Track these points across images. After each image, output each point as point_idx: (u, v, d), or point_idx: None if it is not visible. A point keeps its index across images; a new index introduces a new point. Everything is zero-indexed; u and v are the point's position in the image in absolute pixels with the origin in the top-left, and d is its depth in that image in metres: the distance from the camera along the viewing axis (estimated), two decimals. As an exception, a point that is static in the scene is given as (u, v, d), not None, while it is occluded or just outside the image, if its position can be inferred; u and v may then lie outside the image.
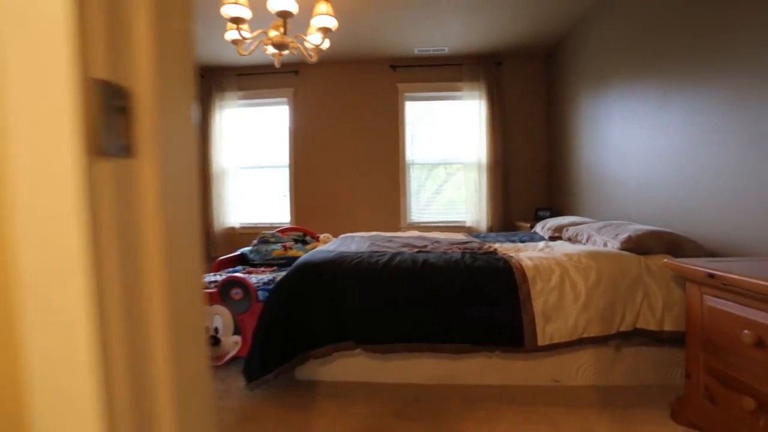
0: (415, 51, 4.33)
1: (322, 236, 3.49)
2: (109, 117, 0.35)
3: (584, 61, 3.60)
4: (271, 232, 3.45)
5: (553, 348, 1.81)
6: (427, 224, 4.61)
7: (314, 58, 2.91)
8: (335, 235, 3.44)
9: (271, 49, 2.79)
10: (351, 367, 1.97)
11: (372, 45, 4.17)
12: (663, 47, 2.45)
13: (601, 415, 1.66)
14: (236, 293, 2.23)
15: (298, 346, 1.88)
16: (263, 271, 2.79)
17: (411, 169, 4.68)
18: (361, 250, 2.32)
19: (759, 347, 1.24)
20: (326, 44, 2.76)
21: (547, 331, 1.79)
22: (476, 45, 4.19)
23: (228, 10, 2.37)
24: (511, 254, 2.17)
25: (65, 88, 0.32)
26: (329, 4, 2.55)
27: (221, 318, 2.22)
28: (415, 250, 2.34)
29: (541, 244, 2.62)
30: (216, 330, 2.21)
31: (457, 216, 4.64)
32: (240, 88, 4.66)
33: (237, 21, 2.44)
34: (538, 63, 4.53)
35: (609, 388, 1.87)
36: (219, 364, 2.14)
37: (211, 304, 2.22)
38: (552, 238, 2.91)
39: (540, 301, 1.82)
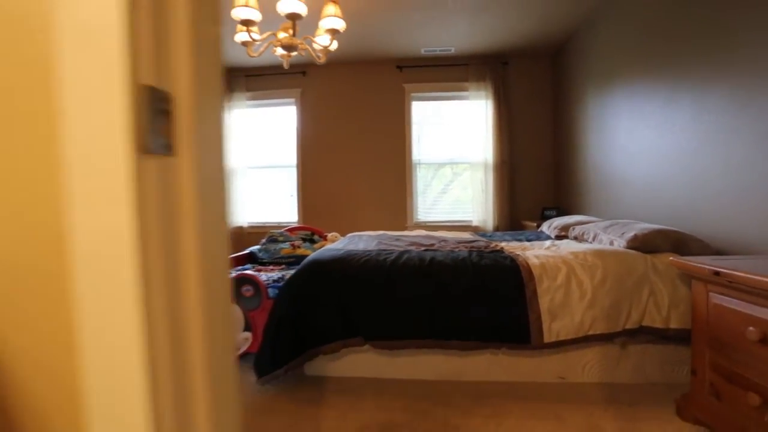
0: (422, 51, 4.36)
1: (329, 235, 3.53)
2: (154, 119, 0.39)
3: (591, 61, 3.60)
4: (279, 231, 3.50)
5: (559, 345, 1.83)
6: (433, 224, 4.64)
7: (322, 59, 2.95)
8: (342, 234, 3.48)
9: (280, 51, 2.83)
10: (359, 363, 2.01)
11: (378, 46, 4.21)
12: (670, 46, 2.46)
13: (606, 411, 1.68)
14: (247, 290, 2.28)
15: (307, 342, 1.91)
16: (272, 269, 2.83)
17: (417, 169, 4.71)
18: (369, 248, 2.35)
19: (764, 344, 1.26)
20: (334, 45, 2.80)
21: (554, 329, 1.81)
22: (482, 45, 4.21)
23: (239, 13, 2.42)
24: (518, 253, 2.19)
25: (119, 94, 0.36)
26: (337, 6, 2.59)
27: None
28: (423, 248, 2.37)
29: (548, 242, 2.64)
30: (227, 326, 2.25)
31: (463, 215, 4.66)
32: (248, 89, 4.71)
33: (247, 23, 2.48)
34: (545, 63, 4.54)
35: (615, 385, 1.88)
36: (230, 359, 2.18)
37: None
38: (558, 237, 2.93)
39: (546, 298, 1.84)
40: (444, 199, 4.75)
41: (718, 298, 1.46)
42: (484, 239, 2.87)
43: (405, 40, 4.07)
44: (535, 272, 1.89)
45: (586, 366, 1.91)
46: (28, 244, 0.44)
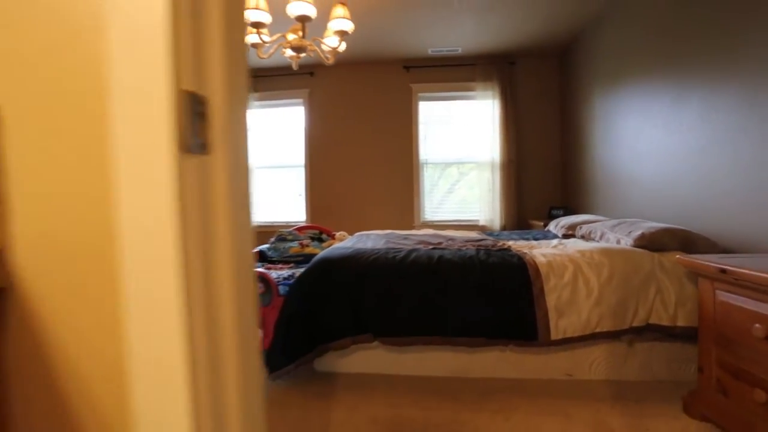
0: (429, 52, 4.38)
1: (337, 234, 3.57)
2: (193, 121, 0.43)
3: (598, 60, 3.61)
4: (288, 230, 3.54)
5: (566, 342, 1.85)
6: (440, 223, 4.67)
7: (331, 60, 2.99)
8: (350, 233, 3.52)
9: (289, 52, 2.88)
10: (368, 359, 2.04)
11: (386, 46, 4.24)
12: (677, 46, 2.46)
13: (613, 408, 1.70)
14: (257, 287, 2.32)
15: (317, 339, 1.95)
16: (281, 268, 2.88)
17: (424, 169, 4.74)
18: (378, 247, 2.39)
19: (770, 340, 1.27)
20: (343, 47, 2.84)
21: (560, 326, 1.83)
22: (489, 45, 4.23)
23: (249, 15, 2.46)
24: (525, 251, 2.21)
25: (165, 98, 0.40)
26: (346, 8, 2.62)
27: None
28: (431, 247, 2.39)
29: (555, 241, 2.65)
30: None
31: (470, 215, 4.68)
32: (257, 90, 4.77)
33: (257, 25, 2.53)
34: (552, 62, 4.54)
35: (622, 382, 1.90)
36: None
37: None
38: (565, 236, 2.94)
39: (553, 296, 1.86)
40: (451, 198, 4.77)
41: (724, 296, 1.47)
42: (491, 238, 2.89)
43: (412, 40, 4.10)
44: (542, 270, 1.91)
45: (593, 363, 1.93)
46: (82, 235, 0.48)
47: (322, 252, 2.37)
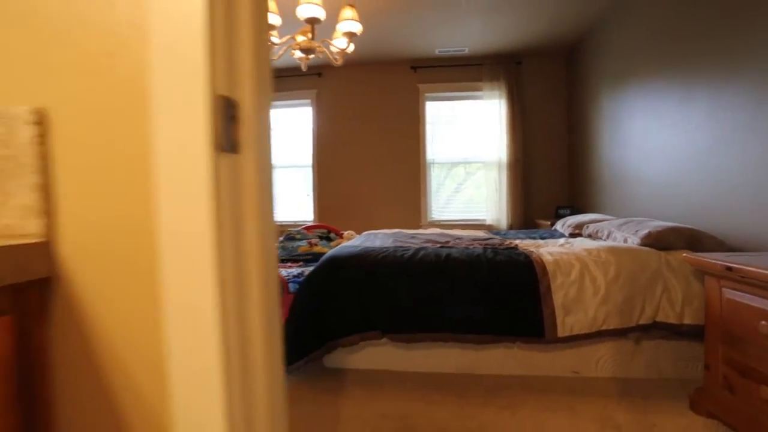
0: (436, 52, 4.41)
1: (345, 233, 3.61)
2: (226, 123, 0.47)
3: (605, 60, 3.61)
4: (296, 229, 3.59)
5: (573, 340, 1.87)
6: (447, 222, 4.69)
7: (339, 62, 3.03)
8: (358, 233, 3.56)
9: (298, 54, 2.92)
10: (377, 356, 2.07)
11: (393, 47, 4.27)
12: (685, 44, 2.46)
13: (619, 404, 1.71)
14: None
15: (326, 335, 1.99)
16: (291, 266, 2.92)
17: (431, 168, 4.76)
18: (386, 245, 2.42)
19: (776, 337, 1.28)
20: (351, 48, 2.88)
21: (567, 323, 1.85)
22: (496, 45, 4.24)
23: (260, 18, 2.51)
24: (532, 249, 2.23)
25: (203, 103, 0.44)
26: (354, 10, 2.66)
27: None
28: (438, 245, 2.42)
29: (562, 240, 2.67)
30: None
31: (476, 214, 4.70)
32: (265, 91, 4.82)
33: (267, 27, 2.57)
34: (559, 62, 4.55)
35: (628, 380, 1.91)
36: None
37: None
38: (572, 235, 2.95)
39: (560, 294, 1.88)
40: (457, 198, 4.80)
41: (730, 293, 1.49)
42: (498, 237, 2.92)
43: (419, 40, 4.13)
44: (549, 268, 1.93)
45: (600, 361, 1.95)
46: (124, 228, 0.52)
47: (331, 250, 2.41)
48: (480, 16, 3.62)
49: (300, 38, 2.83)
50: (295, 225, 4.39)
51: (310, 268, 2.18)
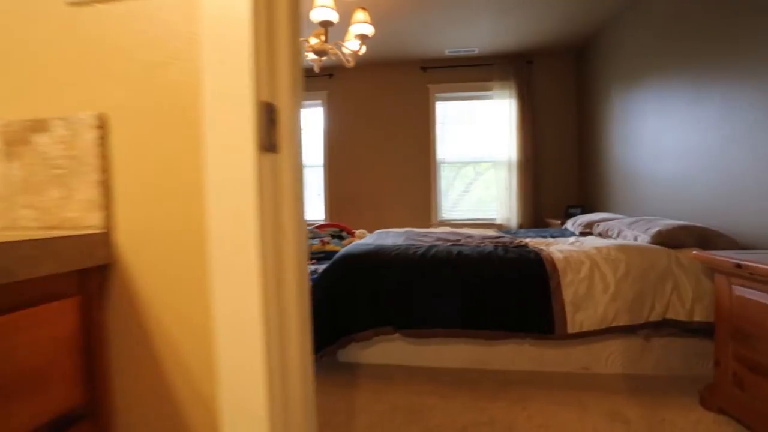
0: (446, 52, 4.44)
1: (357, 232, 3.67)
2: (268, 125, 0.52)
3: (616, 59, 3.61)
4: (308, 228, 3.66)
5: (583, 336, 1.89)
6: (457, 221, 4.72)
7: (351, 63, 3.08)
8: (369, 231, 3.61)
9: (311, 56, 2.98)
10: (389, 351, 2.13)
11: (403, 47, 4.32)
12: (696, 44, 2.47)
13: (629, 400, 1.74)
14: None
15: (341, 330, 2.04)
16: (304, 263, 2.98)
17: (441, 168, 4.80)
18: (398, 243, 2.47)
19: (785, 333, 1.30)
20: (363, 50, 2.93)
21: (577, 320, 1.88)
22: (506, 44, 4.26)
23: (275, 22, 2.57)
24: (542, 247, 2.26)
25: (248, 108, 0.49)
26: (366, 12, 2.71)
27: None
28: (450, 243, 2.46)
29: (572, 239, 2.69)
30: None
31: (487, 213, 4.72)
32: (278, 92, 4.90)
33: (283, 31, 2.63)
34: (569, 61, 4.55)
35: (638, 376, 1.94)
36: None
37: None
38: (583, 234, 2.97)
39: (570, 291, 1.91)
40: (467, 197, 4.82)
41: (740, 290, 1.51)
42: (508, 236, 2.94)
43: (429, 41, 4.17)
44: (559, 265, 1.96)
45: (610, 357, 1.97)
46: (175, 220, 0.58)
47: (344, 248, 2.46)
48: (490, 16, 3.65)
49: (313, 40, 2.89)
50: (307, 224, 4.46)
51: (323, 266, 2.24)
